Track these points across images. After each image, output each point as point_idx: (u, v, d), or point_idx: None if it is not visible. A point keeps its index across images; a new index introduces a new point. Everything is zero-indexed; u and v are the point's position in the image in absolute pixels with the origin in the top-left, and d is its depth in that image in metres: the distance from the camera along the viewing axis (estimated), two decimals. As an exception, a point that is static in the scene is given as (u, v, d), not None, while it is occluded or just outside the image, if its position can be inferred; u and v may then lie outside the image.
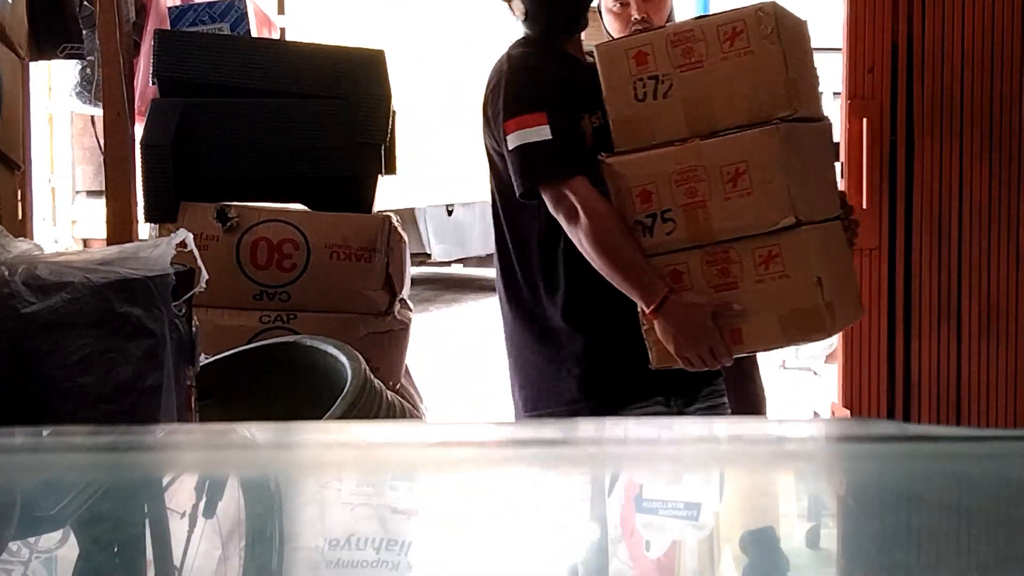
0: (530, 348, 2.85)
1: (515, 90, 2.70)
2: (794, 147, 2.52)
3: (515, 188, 2.70)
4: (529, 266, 2.83)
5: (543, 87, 2.69)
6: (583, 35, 3.67)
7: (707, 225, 2.52)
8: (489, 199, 2.98)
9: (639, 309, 2.63)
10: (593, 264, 2.62)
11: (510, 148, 2.69)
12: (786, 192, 2.46)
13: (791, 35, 2.55)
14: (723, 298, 2.55)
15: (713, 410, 2.89)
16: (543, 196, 2.67)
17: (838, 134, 3.06)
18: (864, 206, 3.01)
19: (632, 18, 3.45)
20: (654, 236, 2.58)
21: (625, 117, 2.58)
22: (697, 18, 2.58)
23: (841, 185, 3.01)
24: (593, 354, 2.78)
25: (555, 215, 2.66)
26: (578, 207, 2.62)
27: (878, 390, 3.14)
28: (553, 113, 2.65)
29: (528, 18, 2.79)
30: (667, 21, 3.50)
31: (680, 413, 2.85)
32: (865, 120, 3.07)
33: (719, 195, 2.50)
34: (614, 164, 2.58)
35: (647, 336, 2.64)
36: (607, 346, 2.78)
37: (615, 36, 3.55)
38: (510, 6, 2.81)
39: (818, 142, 2.66)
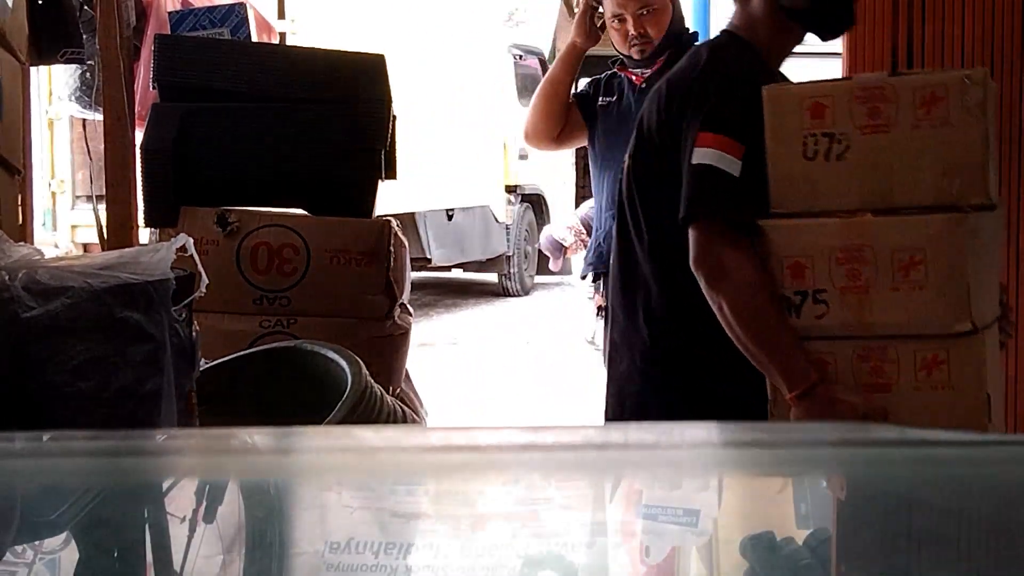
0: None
1: (730, 103, 2.38)
2: (980, 240, 2.21)
3: (680, 207, 2.39)
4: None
5: (754, 116, 2.32)
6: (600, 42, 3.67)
7: (866, 315, 2.20)
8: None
9: (768, 384, 2.34)
10: (731, 335, 2.32)
11: (692, 161, 2.37)
12: (966, 293, 2.15)
13: (995, 109, 2.24)
14: (875, 401, 2.22)
15: None
16: (693, 232, 2.36)
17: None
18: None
19: (629, 33, 3.47)
20: (801, 317, 2.25)
21: (789, 175, 2.25)
22: (891, 74, 2.27)
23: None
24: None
25: (695, 260, 2.35)
26: (729, 268, 2.31)
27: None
28: (750, 151, 2.32)
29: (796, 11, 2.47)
30: (678, 31, 3.51)
31: None
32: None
33: (886, 283, 2.18)
34: (767, 228, 2.27)
35: (773, 408, 2.34)
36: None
37: (618, 49, 3.56)
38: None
39: (996, 233, 2.35)
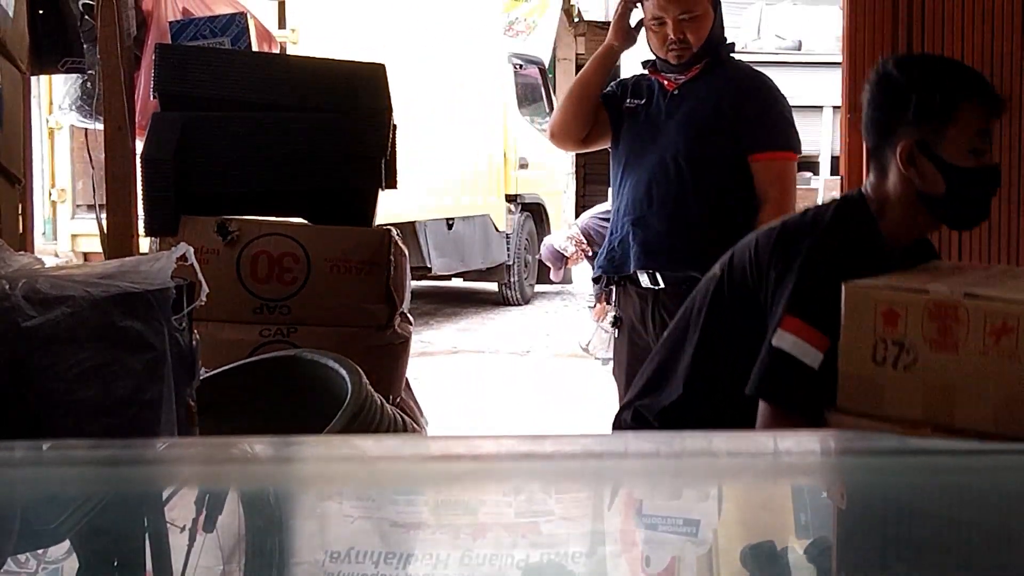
0: None
1: (822, 289, 2.30)
2: None
3: (750, 382, 2.37)
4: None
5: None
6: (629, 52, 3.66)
7: None
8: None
9: None
10: None
11: (772, 342, 2.34)
12: None
13: None
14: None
15: None
16: (762, 405, 2.36)
17: (837, 147, 3.06)
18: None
19: (668, 38, 3.45)
20: None
21: (857, 376, 2.21)
22: (967, 295, 2.17)
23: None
24: None
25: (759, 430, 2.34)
26: None
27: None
28: (834, 343, 2.27)
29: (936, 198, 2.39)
30: (717, 40, 3.49)
31: None
32: (865, 134, 3.08)
33: None
34: (831, 421, 2.24)
35: None
36: None
37: (654, 52, 3.52)
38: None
39: None
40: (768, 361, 2.34)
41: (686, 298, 2.64)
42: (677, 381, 2.54)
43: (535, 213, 12.28)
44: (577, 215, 11.40)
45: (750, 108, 3.40)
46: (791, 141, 3.40)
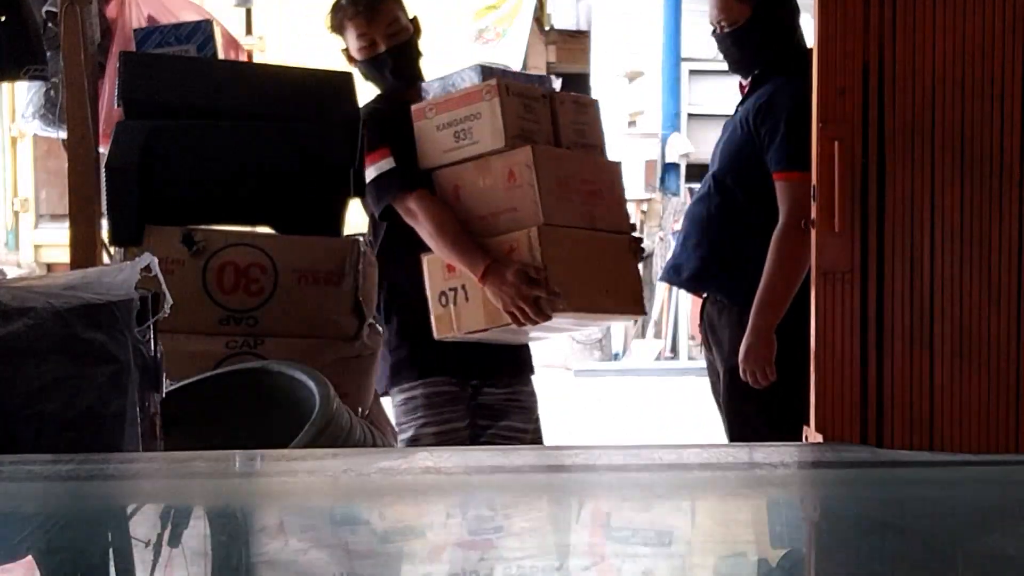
0: None
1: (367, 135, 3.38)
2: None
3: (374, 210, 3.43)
4: None
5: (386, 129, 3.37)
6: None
7: None
8: None
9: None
10: (435, 250, 3.26)
11: (367, 182, 3.39)
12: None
13: None
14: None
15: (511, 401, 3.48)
16: (398, 210, 3.34)
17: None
18: (836, 229, 3.01)
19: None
20: None
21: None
22: None
23: (812, 210, 3.02)
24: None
25: (408, 222, 3.32)
26: (417, 211, 3.29)
27: (851, 415, 3.13)
28: (394, 145, 3.35)
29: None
30: (763, 52, 3.52)
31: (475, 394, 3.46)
32: (837, 143, 3.07)
33: None
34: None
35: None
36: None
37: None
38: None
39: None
40: (373, 189, 3.41)
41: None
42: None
43: (504, 222, 12.27)
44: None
45: (762, 124, 3.44)
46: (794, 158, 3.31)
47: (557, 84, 3.59)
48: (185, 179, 3.57)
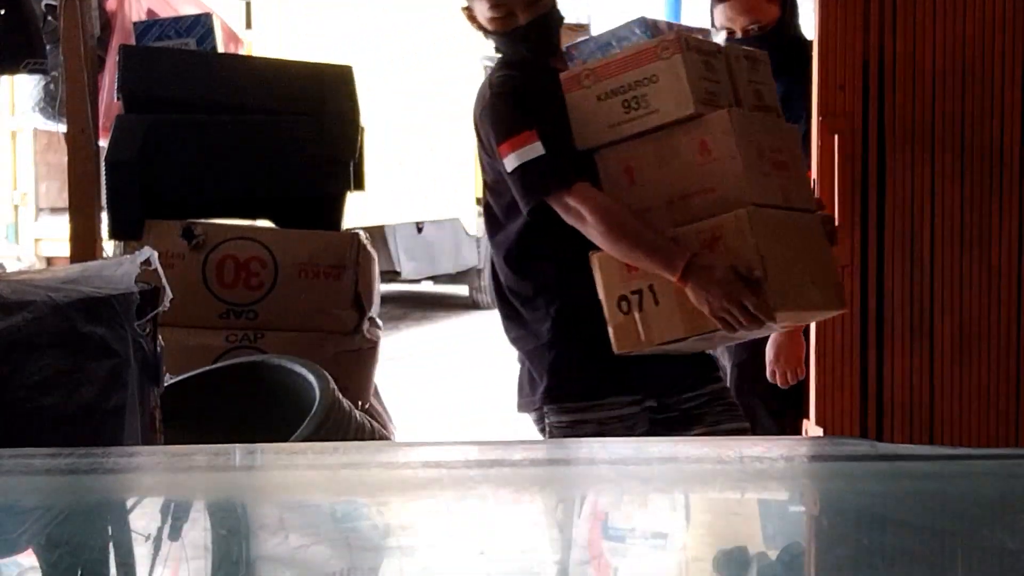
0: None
1: (500, 110, 2.74)
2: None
3: (522, 206, 2.74)
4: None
5: (528, 105, 2.73)
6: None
7: None
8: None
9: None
10: (614, 253, 2.64)
11: (509, 171, 2.70)
12: None
13: None
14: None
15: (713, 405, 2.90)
16: (559, 206, 2.69)
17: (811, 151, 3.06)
18: (836, 223, 3.01)
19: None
20: None
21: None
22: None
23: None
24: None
25: (569, 222, 2.69)
26: (582, 209, 2.65)
27: (851, 408, 3.14)
28: (543, 126, 2.68)
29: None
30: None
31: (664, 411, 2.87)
32: (836, 137, 3.07)
33: None
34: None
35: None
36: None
37: None
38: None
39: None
40: (518, 182, 2.70)
41: None
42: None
43: (505, 216, 12.25)
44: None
45: None
46: None
47: (720, 37, 3.06)
48: (185, 173, 3.58)
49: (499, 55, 2.92)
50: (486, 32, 2.86)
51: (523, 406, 3.00)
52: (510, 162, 2.69)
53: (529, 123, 2.69)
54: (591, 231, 2.65)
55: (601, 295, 2.66)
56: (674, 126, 2.59)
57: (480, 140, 2.85)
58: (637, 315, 2.62)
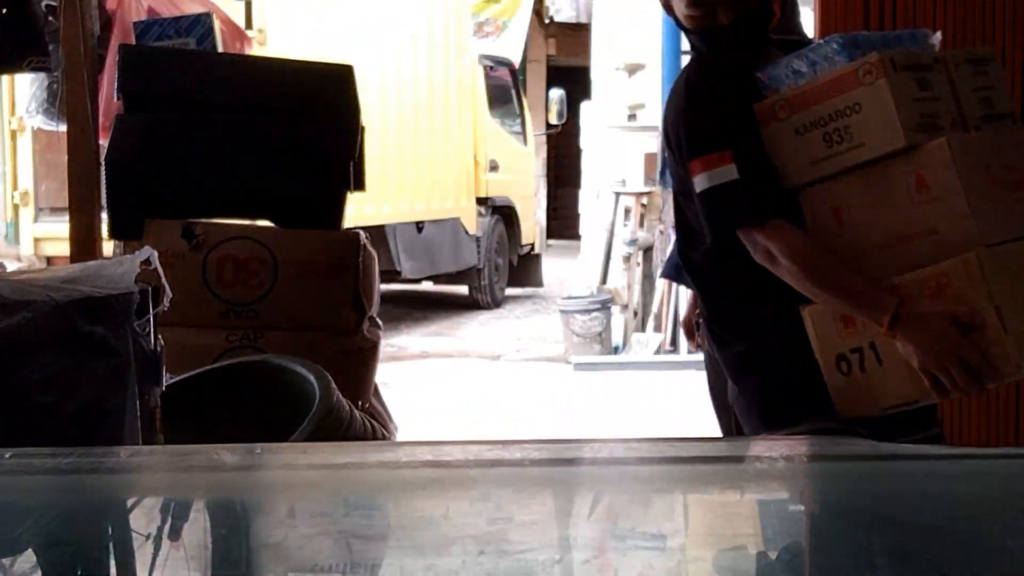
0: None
1: (697, 119, 2.46)
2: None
3: (708, 233, 2.48)
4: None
5: (726, 120, 2.43)
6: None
7: None
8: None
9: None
10: (811, 298, 2.38)
11: (697, 191, 2.43)
12: None
13: None
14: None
15: None
16: (748, 239, 2.42)
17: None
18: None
19: None
20: None
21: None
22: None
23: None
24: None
25: (757, 260, 2.41)
26: (772, 249, 2.37)
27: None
28: (740, 148, 2.39)
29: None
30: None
31: None
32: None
33: None
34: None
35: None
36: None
37: None
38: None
39: None
40: (706, 207, 2.42)
41: None
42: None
43: (506, 216, 12.27)
44: (549, 217, 11.42)
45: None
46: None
47: (936, 38, 2.55)
48: (184, 172, 3.58)
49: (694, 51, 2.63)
50: (683, 29, 2.57)
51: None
52: (699, 183, 2.41)
53: (724, 142, 2.39)
54: (784, 273, 2.36)
55: (817, 354, 2.38)
56: (885, 160, 2.29)
57: (669, 143, 2.58)
58: (860, 376, 2.34)
